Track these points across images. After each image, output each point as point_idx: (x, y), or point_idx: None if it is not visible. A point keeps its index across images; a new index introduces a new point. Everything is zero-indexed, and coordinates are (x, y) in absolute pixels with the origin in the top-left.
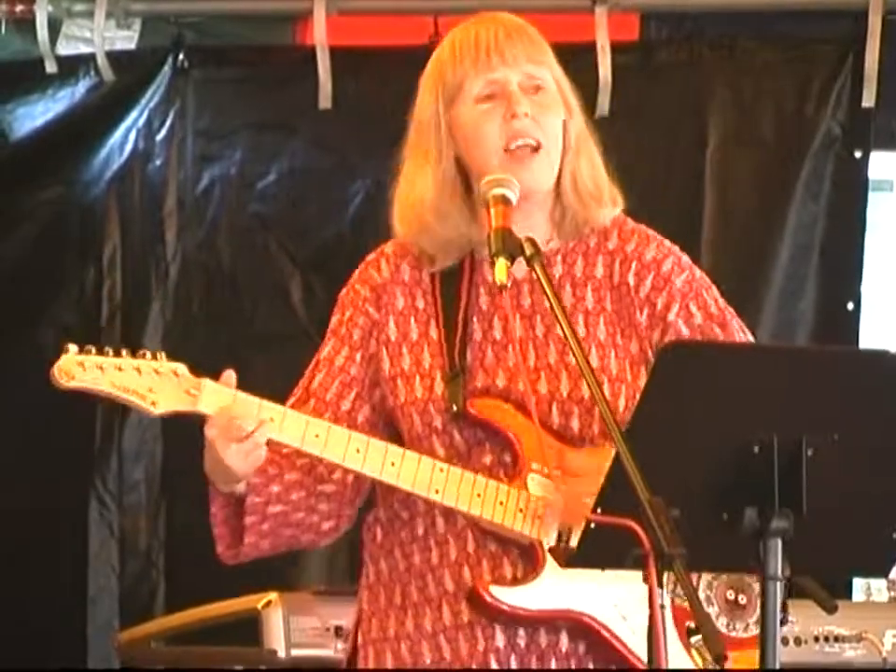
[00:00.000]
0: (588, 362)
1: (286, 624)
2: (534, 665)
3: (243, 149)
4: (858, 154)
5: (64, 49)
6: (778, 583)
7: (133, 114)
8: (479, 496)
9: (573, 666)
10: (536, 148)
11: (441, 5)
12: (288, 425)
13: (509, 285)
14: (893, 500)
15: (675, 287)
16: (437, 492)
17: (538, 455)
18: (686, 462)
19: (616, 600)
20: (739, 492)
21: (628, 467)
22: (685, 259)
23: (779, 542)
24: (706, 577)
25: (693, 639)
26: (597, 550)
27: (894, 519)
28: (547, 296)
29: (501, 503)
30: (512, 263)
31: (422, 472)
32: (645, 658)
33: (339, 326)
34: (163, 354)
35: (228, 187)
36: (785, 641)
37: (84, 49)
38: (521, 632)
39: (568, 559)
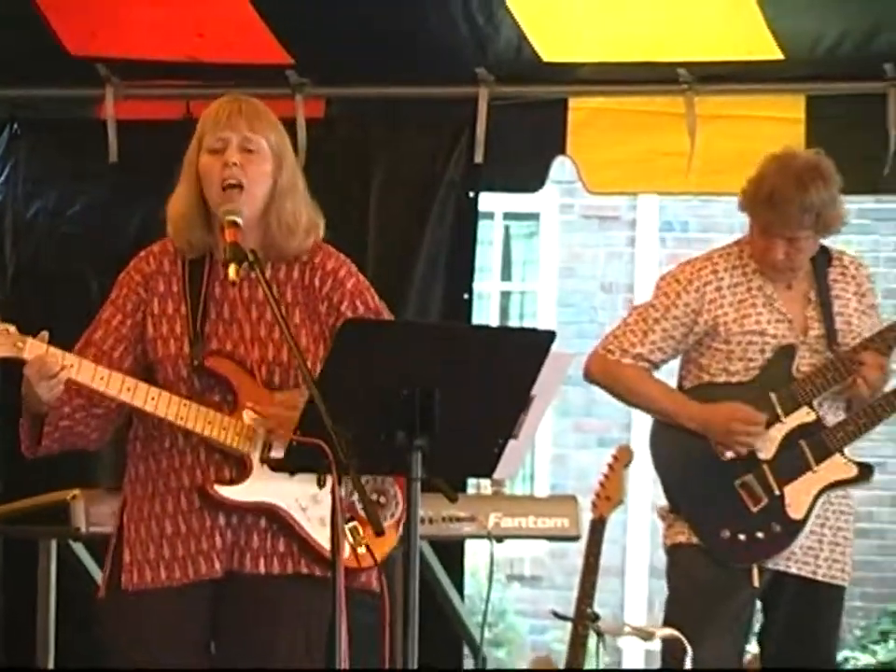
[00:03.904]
0: (292, 334)
1: (86, 510)
2: (242, 537)
3: (57, 190)
4: (471, 195)
5: None
6: (418, 483)
7: None
8: (210, 423)
9: (269, 541)
10: (240, 187)
11: (192, 92)
12: (83, 370)
13: (237, 282)
14: (493, 428)
15: (346, 288)
16: (181, 419)
17: (251, 397)
18: (357, 400)
19: (298, 496)
20: (394, 421)
21: (318, 403)
22: (354, 268)
23: (420, 454)
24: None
25: (348, 525)
26: (298, 459)
27: (495, 439)
28: (263, 290)
29: (224, 428)
30: (240, 267)
31: (172, 406)
32: (316, 536)
33: (116, 298)
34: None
35: (47, 215)
36: (422, 521)
37: None
38: (234, 515)
39: (276, 466)
